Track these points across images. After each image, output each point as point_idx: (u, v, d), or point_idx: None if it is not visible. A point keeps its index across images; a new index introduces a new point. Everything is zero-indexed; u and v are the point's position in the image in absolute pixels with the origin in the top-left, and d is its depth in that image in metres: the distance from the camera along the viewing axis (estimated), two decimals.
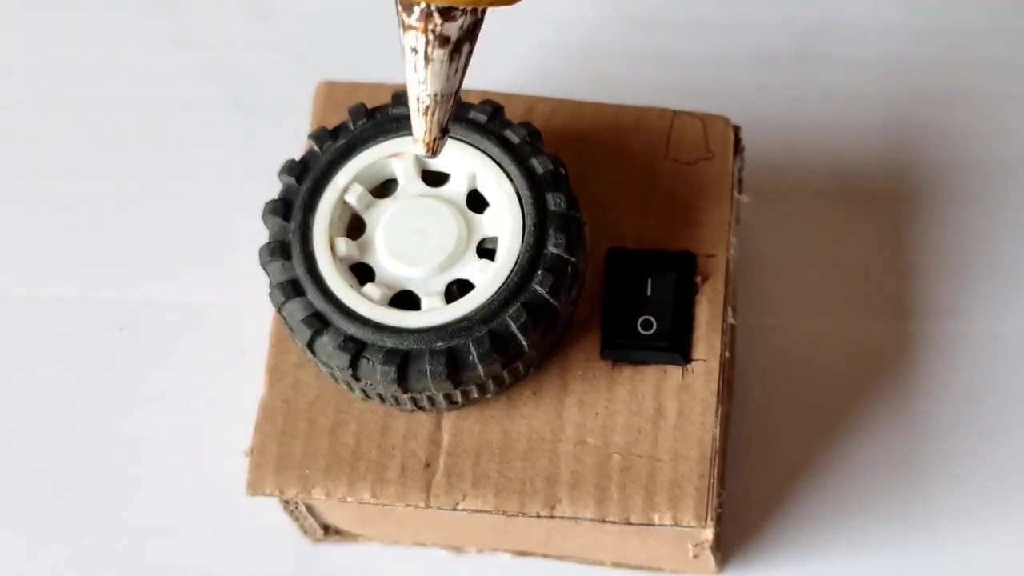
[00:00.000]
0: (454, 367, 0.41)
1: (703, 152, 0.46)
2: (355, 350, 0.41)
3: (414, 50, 0.37)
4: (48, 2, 0.59)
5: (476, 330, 0.41)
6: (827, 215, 0.54)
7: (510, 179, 0.42)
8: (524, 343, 0.41)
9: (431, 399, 0.42)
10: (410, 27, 0.37)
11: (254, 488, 0.43)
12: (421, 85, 0.37)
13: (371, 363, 0.41)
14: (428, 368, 0.41)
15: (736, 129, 0.46)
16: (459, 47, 0.37)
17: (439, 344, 0.41)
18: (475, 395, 0.42)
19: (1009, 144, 0.55)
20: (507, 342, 0.41)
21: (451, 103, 0.38)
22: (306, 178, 0.43)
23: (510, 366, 0.42)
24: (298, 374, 0.44)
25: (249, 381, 0.47)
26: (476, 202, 0.43)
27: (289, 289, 0.42)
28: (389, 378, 0.41)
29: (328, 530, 0.50)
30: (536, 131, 0.43)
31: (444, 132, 0.39)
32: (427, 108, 0.38)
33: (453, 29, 0.37)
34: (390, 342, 0.41)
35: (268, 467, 0.43)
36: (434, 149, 0.39)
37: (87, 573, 0.51)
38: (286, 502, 0.46)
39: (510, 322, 0.41)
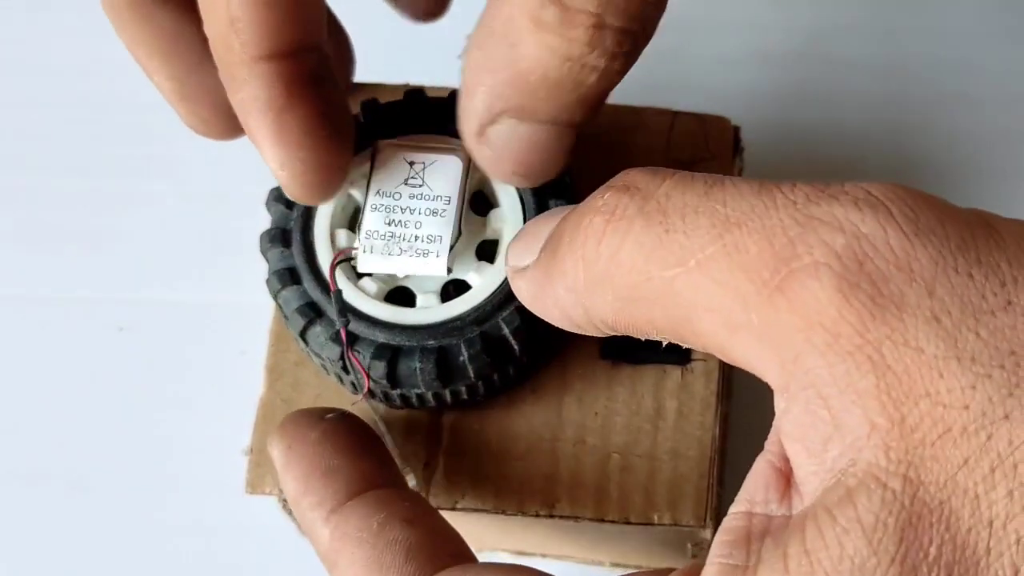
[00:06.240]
0: (444, 366, 0.40)
1: (703, 152, 0.46)
2: (346, 343, 0.41)
3: None
4: (48, 1, 0.58)
5: (468, 331, 0.41)
6: None
7: None
8: (516, 347, 0.41)
9: (420, 397, 0.42)
10: None
11: (254, 487, 0.43)
12: None
13: (362, 356, 0.41)
14: (418, 365, 0.40)
15: (736, 129, 0.46)
16: None
17: (431, 342, 0.40)
18: (464, 397, 0.42)
19: (1008, 146, 0.55)
20: (498, 345, 0.41)
21: None
22: None
23: (501, 369, 0.42)
24: (298, 373, 0.44)
25: (249, 381, 0.47)
26: (479, 204, 0.43)
27: (286, 277, 0.41)
28: (378, 373, 0.40)
29: None
30: None
31: None
32: None
33: None
34: (382, 337, 0.41)
35: (268, 466, 0.43)
36: None
37: (86, 573, 0.51)
38: (285, 501, 0.46)
39: (503, 325, 0.41)
